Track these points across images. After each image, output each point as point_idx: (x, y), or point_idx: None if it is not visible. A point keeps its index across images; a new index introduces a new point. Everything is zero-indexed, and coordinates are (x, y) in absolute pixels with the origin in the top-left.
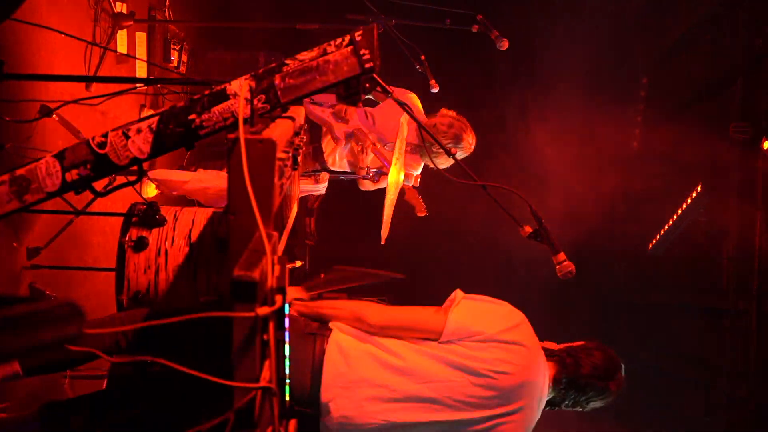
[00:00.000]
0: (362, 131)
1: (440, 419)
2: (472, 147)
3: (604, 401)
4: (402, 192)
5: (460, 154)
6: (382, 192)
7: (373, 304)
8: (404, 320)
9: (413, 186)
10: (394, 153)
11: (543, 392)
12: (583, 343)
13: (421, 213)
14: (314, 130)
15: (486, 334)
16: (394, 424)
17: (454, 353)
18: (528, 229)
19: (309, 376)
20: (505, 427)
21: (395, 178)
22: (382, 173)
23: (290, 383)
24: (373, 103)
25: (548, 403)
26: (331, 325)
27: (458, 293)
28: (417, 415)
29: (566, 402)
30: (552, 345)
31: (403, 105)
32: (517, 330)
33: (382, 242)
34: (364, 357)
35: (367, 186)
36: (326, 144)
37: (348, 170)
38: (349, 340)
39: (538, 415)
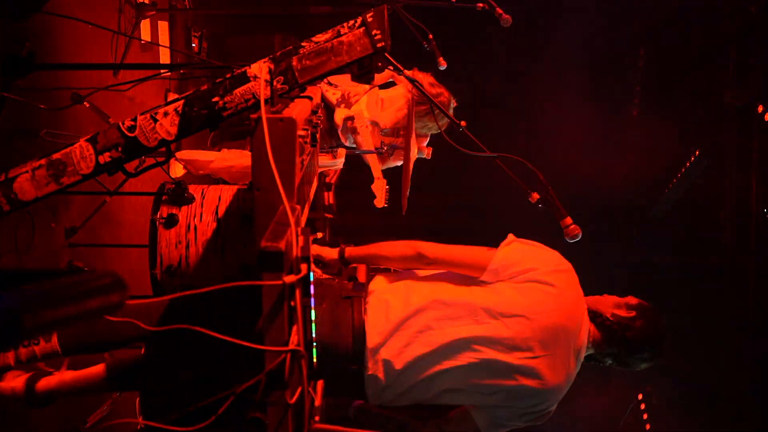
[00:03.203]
0: (360, 117)
1: (478, 357)
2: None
3: (648, 364)
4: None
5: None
6: (397, 167)
7: (430, 243)
8: (456, 252)
9: (427, 157)
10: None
11: (580, 344)
12: (632, 314)
13: (380, 204)
14: (330, 107)
15: (528, 274)
16: (435, 351)
17: (493, 295)
18: (536, 195)
19: (351, 335)
20: (538, 369)
21: (410, 150)
22: (396, 148)
23: (333, 345)
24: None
25: (591, 358)
26: (371, 285)
27: (510, 236)
28: (454, 341)
29: (610, 363)
30: (606, 303)
31: (413, 81)
32: (560, 275)
33: (403, 212)
34: (402, 304)
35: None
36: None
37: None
38: (390, 291)
39: (577, 366)
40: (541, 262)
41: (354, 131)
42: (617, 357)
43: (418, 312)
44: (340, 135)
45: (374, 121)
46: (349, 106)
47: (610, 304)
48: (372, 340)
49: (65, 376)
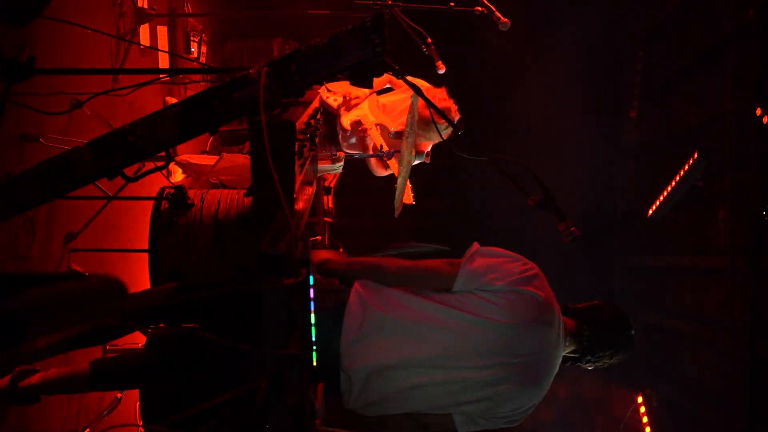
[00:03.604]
0: (367, 120)
1: (452, 365)
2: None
3: (623, 356)
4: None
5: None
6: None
7: (393, 258)
8: (420, 268)
9: (426, 161)
10: (406, 128)
11: (558, 343)
12: (595, 302)
13: (408, 201)
14: (329, 113)
15: (499, 283)
16: (409, 359)
17: (466, 303)
18: (535, 198)
19: (329, 329)
20: (518, 374)
21: (406, 153)
22: (397, 151)
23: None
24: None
25: (569, 359)
26: (356, 284)
27: (475, 245)
28: (431, 351)
29: (587, 357)
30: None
31: (413, 86)
32: (530, 279)
33: (396, 215)
34: (382, 303)
35: (380, 172)
36: (339, 128)
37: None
38: (368, 291)
39: (555, 367)
40: (508, 268)
41: (364, 133)
42: (593, 343)
43: (395, 317)
44: (341, 140)
45: (382, 125)
46: (349, 108)
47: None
48: (347, 336)
49: (48, 374)
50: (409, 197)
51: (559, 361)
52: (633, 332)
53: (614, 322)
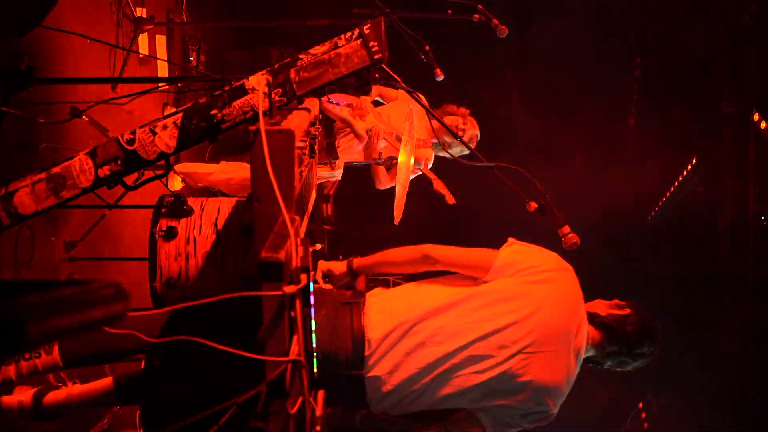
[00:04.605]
0: (379, 126)
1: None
2: (476, 137)
3: (646, 362)
4: (429, 182)
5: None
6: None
7: (431, 244)
8: (461, 253)
9: (424, 169)
10: (404, 135)
11: (580, 345)
12: (627, 311)
13: (451, 201)
14: (327, 124)
15: (530, 272)
16: (438, 360)
17: (495, 292)
18: (534, 204)
19: (350, 341)
20: (535, 365)
21: (405, 160)
22: (395, 158)
23: (333, 351)
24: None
25: (590, 360)
26: (370, 294)
27: (511, 239)
28: (457, 343)
29: (609, 364)
30: (599, 306)
31: (411, 92)
32: (562, 273)
33: (396, 222)
34: (404, 310)
35: (384, 184)
36: (340, 141)
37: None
38: (385, 298)
39: (577, 367)
40: (542, 260)
41: (377, 137)
42: (618, 355)
43: (420, 319)
44: (334, 151)
45: (398, 135)
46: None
47: (602, 305)
48: (372, 344)
49: (73, 389)
50: (450, 197)
51: (580, 362)
52: (657, 347)
53: (641, 338)
